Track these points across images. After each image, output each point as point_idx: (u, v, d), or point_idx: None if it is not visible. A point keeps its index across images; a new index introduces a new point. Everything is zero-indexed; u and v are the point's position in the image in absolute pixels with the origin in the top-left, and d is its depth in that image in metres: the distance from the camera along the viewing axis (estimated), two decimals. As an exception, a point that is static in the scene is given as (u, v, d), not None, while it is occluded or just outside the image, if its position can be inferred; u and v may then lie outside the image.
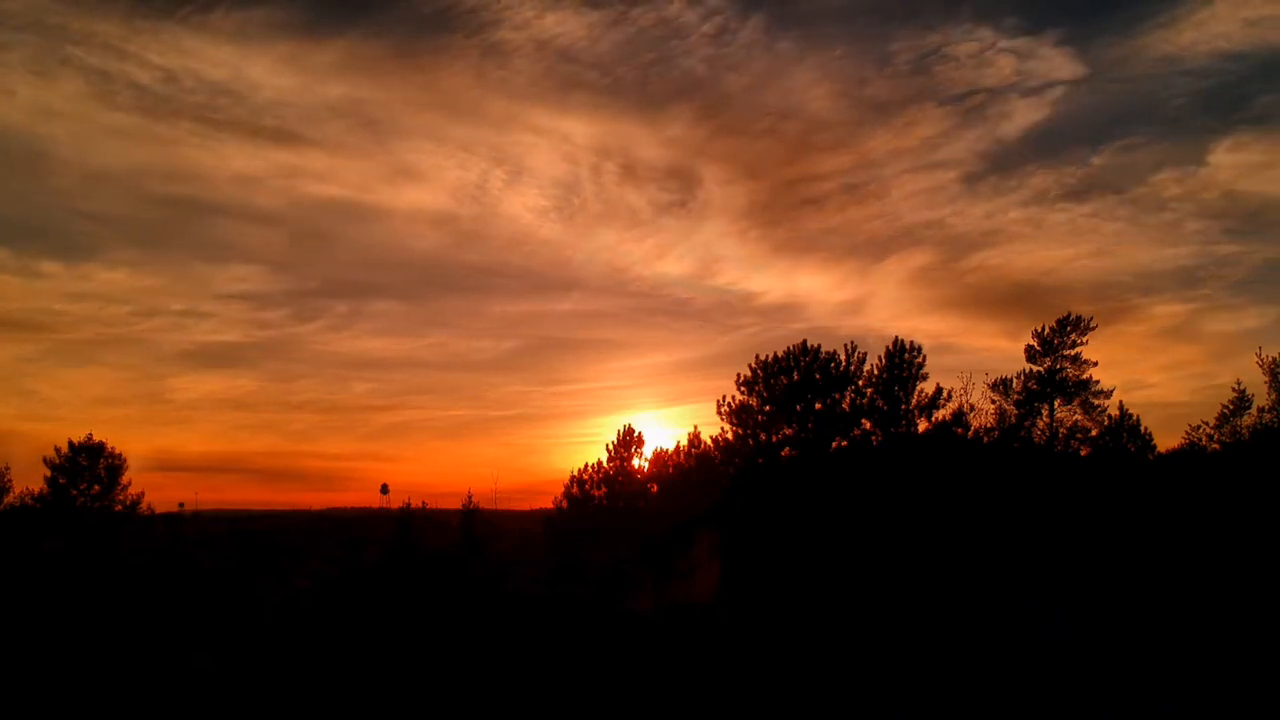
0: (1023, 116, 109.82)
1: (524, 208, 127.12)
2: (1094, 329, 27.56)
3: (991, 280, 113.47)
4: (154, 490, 39.39)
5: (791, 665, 15.78)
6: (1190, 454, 26.99)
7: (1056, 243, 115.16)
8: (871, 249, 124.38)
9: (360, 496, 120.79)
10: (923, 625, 17.99)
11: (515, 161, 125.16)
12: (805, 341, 27.67)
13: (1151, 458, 27.10)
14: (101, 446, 38.18)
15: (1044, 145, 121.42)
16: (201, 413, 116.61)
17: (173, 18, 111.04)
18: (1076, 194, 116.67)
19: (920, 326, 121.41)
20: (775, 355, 27.57)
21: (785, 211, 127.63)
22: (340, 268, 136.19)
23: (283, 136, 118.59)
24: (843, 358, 27.42)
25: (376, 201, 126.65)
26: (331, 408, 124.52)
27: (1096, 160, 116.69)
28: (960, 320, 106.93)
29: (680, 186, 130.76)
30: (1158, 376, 79.00)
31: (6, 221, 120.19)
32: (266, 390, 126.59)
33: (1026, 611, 18.88)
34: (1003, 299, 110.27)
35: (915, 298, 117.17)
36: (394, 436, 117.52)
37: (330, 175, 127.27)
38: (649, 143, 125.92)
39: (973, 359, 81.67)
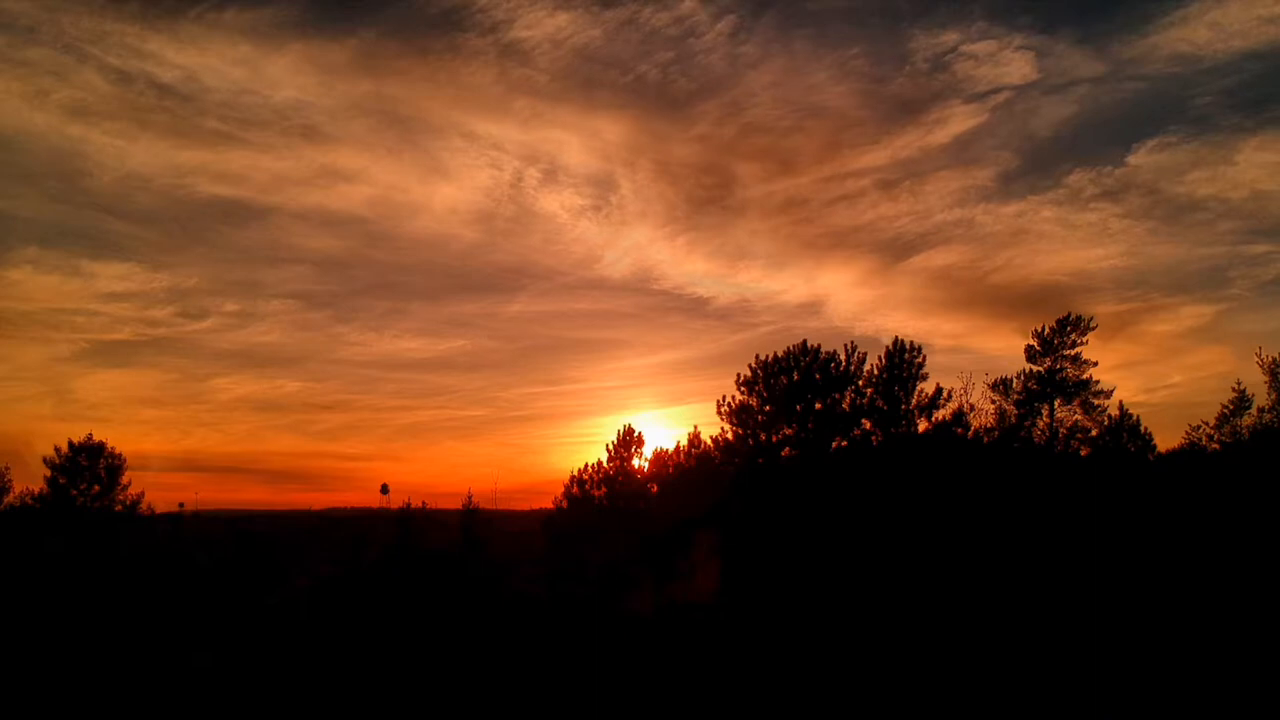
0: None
1: (445, 208, 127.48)
2: (1094, 329, 27.58)
3: (1015, 280, 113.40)
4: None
5: (791, 665, 15.78)
6: (1190, 454, 26.96)
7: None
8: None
9: (360, 496, 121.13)
10: (922, 625, 17.99)
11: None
12: (805, 341, 27.64)
13: (1151, 458, 27.08)
14: (101, 446, 38.09)
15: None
16: (116, 410, 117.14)
17: (142, 20, 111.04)
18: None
19: (940, 327, 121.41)
20: (775, 355, 27.56)
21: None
22: (226, 266, 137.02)
23: (219, 137, 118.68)
24: (843, 358, 27.39)
25: (277, 202, 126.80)
26: (265, 405, 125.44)
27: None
28: (977, 320, 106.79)
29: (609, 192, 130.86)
30: (1181, 376, 78.85)
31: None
32: (180, 388, 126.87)
33: (1026, 611, 18.88)
34: (1025, 299, 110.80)
35: (933, 299, 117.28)
36: (346, 436, 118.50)
37: (236, 177, 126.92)
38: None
39: (988, 361, 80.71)
